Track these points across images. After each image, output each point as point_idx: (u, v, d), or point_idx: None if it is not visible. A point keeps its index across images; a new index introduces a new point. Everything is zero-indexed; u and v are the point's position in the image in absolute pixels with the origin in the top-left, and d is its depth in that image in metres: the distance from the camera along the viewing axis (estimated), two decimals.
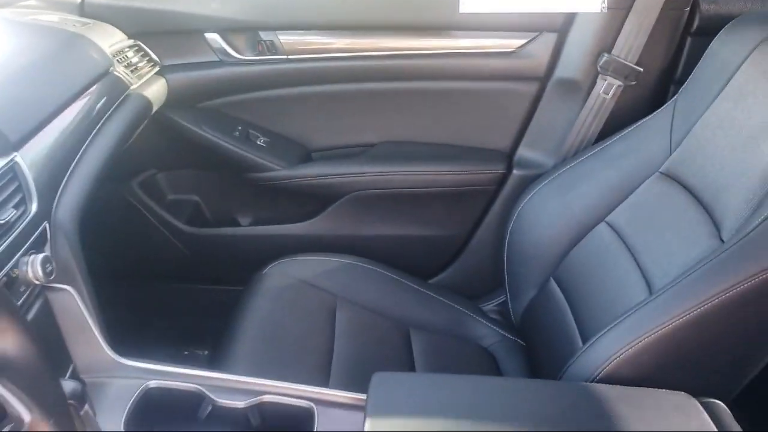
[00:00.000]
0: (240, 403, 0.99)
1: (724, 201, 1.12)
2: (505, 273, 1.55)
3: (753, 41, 1.21)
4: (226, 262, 1.78)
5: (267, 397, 1.00)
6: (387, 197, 1.72)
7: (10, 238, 0.89)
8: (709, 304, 0.97)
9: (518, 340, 1.52)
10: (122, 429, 0.92)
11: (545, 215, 1.46)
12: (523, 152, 1.69)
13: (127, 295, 1.57)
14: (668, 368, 1.02)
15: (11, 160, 0.95)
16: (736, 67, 1.22)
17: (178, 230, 1.77)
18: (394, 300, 1.54)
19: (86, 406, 0.71)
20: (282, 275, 1.51)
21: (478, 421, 0.91)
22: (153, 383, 0.99)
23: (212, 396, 0.99)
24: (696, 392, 0.99)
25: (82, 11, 1.56)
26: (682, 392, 0.98)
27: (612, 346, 1.02)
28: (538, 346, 1.42)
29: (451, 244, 1.80)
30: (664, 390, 0.98)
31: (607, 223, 1.34)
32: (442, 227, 1.78)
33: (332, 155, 1.77)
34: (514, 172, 1.67)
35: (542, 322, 1.41)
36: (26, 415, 0.55)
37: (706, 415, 0.94)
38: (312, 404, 0.99)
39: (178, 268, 1.82)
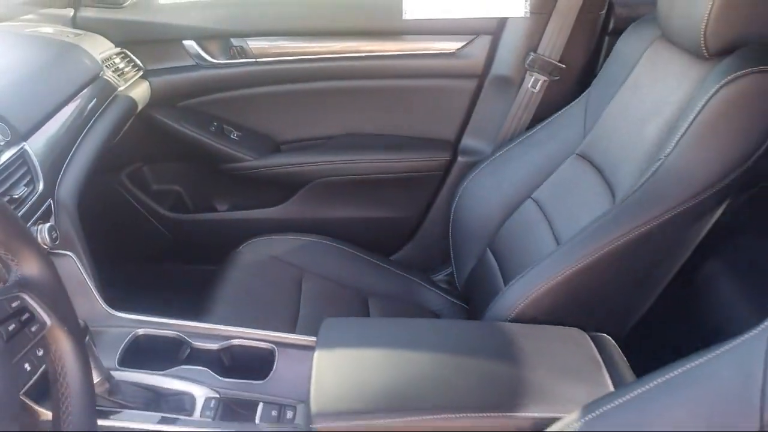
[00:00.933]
0: (214, 346, 1.17)
1: (619, 175, 1.33)
2: (451, 247, 1.75)
3: (648, 40, 1.42)
4: (204, 244, 1.96)
5: (236, 341, 1.19)
6: (348, 183, 1.92)
7: (23, 210, 1.10)
8: (599, 253, 1.18)
9: (462, 304, 1.72)
10: (116, 365, 1.11)
11: (482, 196, 1.66)
12: (467, 141, 1.90)
13: (115, 274, 1.76)
14: (566, 309, 1.23)
15: (21, 147, 1.16)
16: (635, 62, 1.42)
17: (162, 216, 1.96)
18: (354, 273, 1.72)
19: (87, 338, 0.91)
20: (254, 252, 1.70)
21: (408, 350, 1.11)
22: (141, 331, 1.18)
23: (190, 341, 1.18)
24: (591, 330, 1.20)
25: (75, 23, 1.75)
26: (576, 328, 1.19)
27: (520, 291, 1.23)
28: (476, 307, 1.63)
29: (406, 224, 2.00)
30: (561, 326, 1.19)
31: (533, 199, 1.55)
32: (397, 209, 1.98)
33: (298, 146, 1.97)
34: (459, 159, 1.88)
35: (479, 286, 1.61)
36: (48, 320, 0.75)
37: (593, 345, 1.15)
38: (274, 346, 1.18)
39: (162, 250, 2.00)
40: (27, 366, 0.72)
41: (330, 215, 1.96)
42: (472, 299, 1.67)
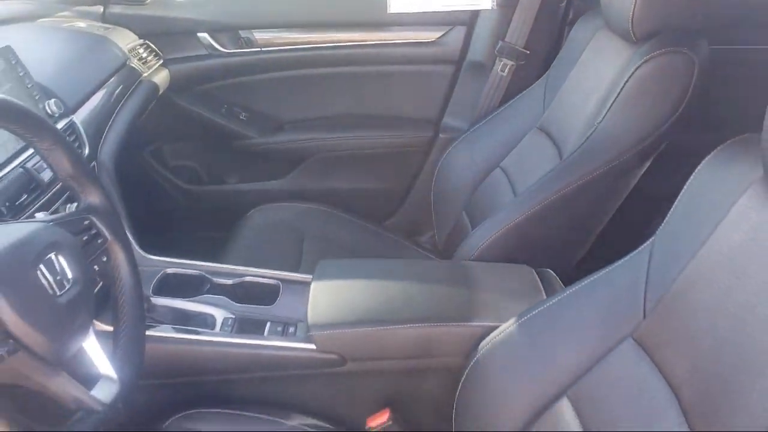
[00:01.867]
0: (229, 282, 1.43)
1: (568, 142, 1.58)
2: (432, 213, 2.01)
3: (595, 28, 1.66)
4: (216, 212, 2.20)
5: (247, 278, 1.44)
6: (343, 157, 2.18)
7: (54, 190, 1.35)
8: (545, 202, 1.44)
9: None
10: (151, 293, 1.37)
11: (459, 167, 1.90)
12: (447, 120, 2.15)
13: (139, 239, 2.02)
14: (518, 249, 1.48)
15: (71, 119, 1.42)
16: (584, 47, 1.67)
17: (180, 188, 2.22)
18: (349, 236, 1.97)
19: None
20: (261, 218, 1.96)
21: (386, 280, 1.37)
22: (170, 270, 1.43)
23: (210, 277, 1.43)
24: (538, 267, 1.45)
25: (104, 19, 2.01)
26: (524, 264, 1.44)
27: (481, 236, 1.49)
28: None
29: (395, 194, 2.25)
30: (511, 264, 1.45)
31: (501, 168, 1.79)
32: (387, 181, 2.23)
33: (299, 125, 2.21)
34: (440, 135, 2.13)
35: (456, 245, 1.86)
36: (108, 236, 1.02)
37: (536, 277, 1.40)
38: (279, 282, 1.44)
39: (180, 218, 2.26)
40: (96, 267, 0.98)
41: (328, 186, 2.21)
42: (449, 255, 1.91)
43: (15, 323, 0.77)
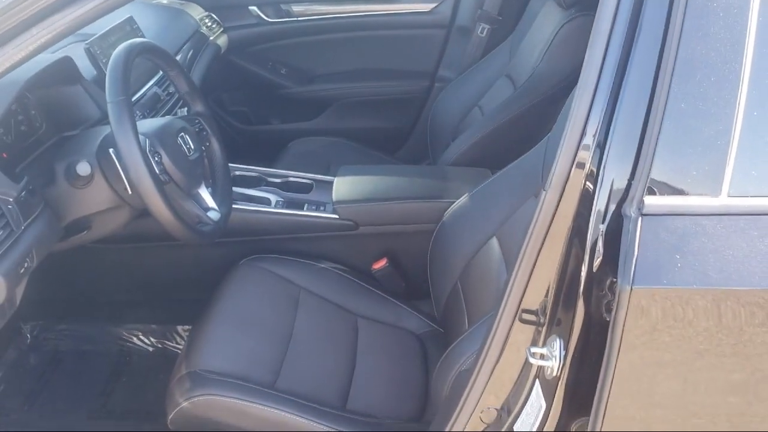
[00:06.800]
0: (278, 180, 2.05)
1: (520, 80, 2.18)
2: (428, 144, 2.62)
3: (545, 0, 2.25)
4: (264, 146, 2.80)
5: (291, 178, 2.06)
6: (361, 102, 2.78)
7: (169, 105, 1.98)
8: (502, 120, 2.04)
9: None
10: None
11: (447, 107, 2.49)
12: (440, 72, 2.75)
13: None
14: (483, 156, 2.08)
15: None
16: (537, 14, 2.26)
17: (235, 127, 2.83)
18: (364, 162, 2.59)
19: None
20: (297, 149, 2.56)
21: (390, 175, 2.00)
22: (238, 172, 2.05)
23: (265, 177, 2.06)
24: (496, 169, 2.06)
25: None
26: (485, 168, 2.05)
27: (456, 147, 2.11)
28: None
29: (401, 131, 2.86)
30: (476, 168, 2.06)
31: (478, 106, 2.40)
32: (397, 120, 2.84)
33: (327, 78, 2.83)
34: (436, 84, 2.74)
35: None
36: (209, 131, 1.65)
37: (491, 174, 2.00)
38: (313, 181, 2.05)
39: (235, 151, 2.87)
40: (203, 147, 1.61)
41: (348, 125, 2.80)
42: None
43: (170, 166, 1.41)
